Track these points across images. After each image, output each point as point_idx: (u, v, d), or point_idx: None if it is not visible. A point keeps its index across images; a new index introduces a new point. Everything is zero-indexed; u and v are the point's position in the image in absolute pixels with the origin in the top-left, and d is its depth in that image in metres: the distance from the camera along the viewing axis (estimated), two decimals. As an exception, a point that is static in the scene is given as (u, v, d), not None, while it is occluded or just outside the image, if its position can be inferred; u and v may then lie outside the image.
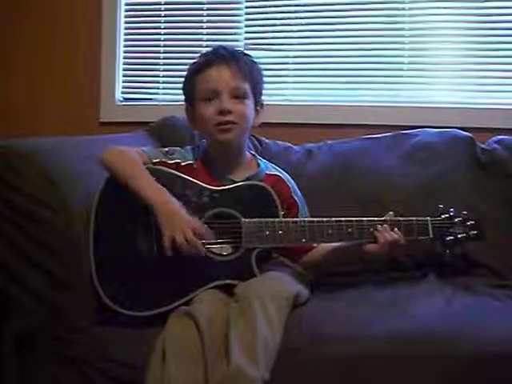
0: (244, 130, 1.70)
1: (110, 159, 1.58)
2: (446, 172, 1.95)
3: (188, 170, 1.67)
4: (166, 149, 1.71)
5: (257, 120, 1.75)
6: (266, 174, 1.74)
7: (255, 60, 1.77)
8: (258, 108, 1.74)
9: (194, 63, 1.74)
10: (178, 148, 1.73)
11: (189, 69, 1.75)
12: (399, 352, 1.31)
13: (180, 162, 1.68)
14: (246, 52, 1.81)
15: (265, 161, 1.80)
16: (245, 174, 1.71)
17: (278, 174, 1.76)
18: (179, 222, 1.49)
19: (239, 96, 1.66)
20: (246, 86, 1.68)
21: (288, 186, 1.75)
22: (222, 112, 1.64)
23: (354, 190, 1.96)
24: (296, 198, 1.74)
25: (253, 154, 1.80)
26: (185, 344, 1.33)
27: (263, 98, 1.76)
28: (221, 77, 1.66)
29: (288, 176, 1.78)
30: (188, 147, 1.77)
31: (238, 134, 1.68)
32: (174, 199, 1.54)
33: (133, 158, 1.61)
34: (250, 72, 1.70)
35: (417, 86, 2.33)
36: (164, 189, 1.55)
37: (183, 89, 1.76)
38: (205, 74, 1.68)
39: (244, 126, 1.69)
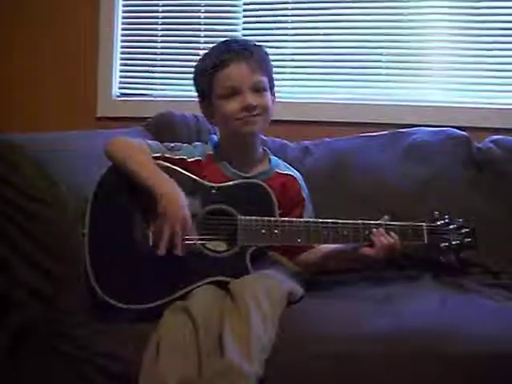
0: (266, 122, 1.70)
1: (113, 147, 1.58)
2: (442, 171, 1.96)
3: (195, 166, 1.66)
4: (172, 144, 1.70)
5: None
6: (277, 172, 1.74)
7: (266, 50, 1.75)
8: (272, 98, 1.73)
9: (205, 60, 1.70)
10: (185, 144, 1.72)
11: (200, 65, 1.71)
12: (393, 351, 1.31)
13: (186, 159, 1.66)
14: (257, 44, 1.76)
15: (276, 158, 1.80)
16: (257, 169, 1.72)
17: (289, 172, 1.78)
18: (173, 212, 1.48)
19: (260, 89, 1.66)
20: (264, 79, 1.68)
21: (298, 183, 1.77)
22: (247, 108, 1.63)
23: (351, 187, 1.97)
24: (304, 196, 1.76)
25: (264, 150, 1.79)
26: (179, 339, 1.33)
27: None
28: (241, 73, 1.64)
29: (298, 174, 1.80)
30: (197, 143, 1.76)
31: (262, 125, 1.68)
32: (172, 183, 1.53)
33: (136, 145, 1.61)
34: (265, 64, 1.70)
35: (414, 85, 2.34)
36: (164, 174, 1.54)
37: (196, 85, 1.73)
38: (224, 71, 1.65)
39: (267, 118, 1.69)
